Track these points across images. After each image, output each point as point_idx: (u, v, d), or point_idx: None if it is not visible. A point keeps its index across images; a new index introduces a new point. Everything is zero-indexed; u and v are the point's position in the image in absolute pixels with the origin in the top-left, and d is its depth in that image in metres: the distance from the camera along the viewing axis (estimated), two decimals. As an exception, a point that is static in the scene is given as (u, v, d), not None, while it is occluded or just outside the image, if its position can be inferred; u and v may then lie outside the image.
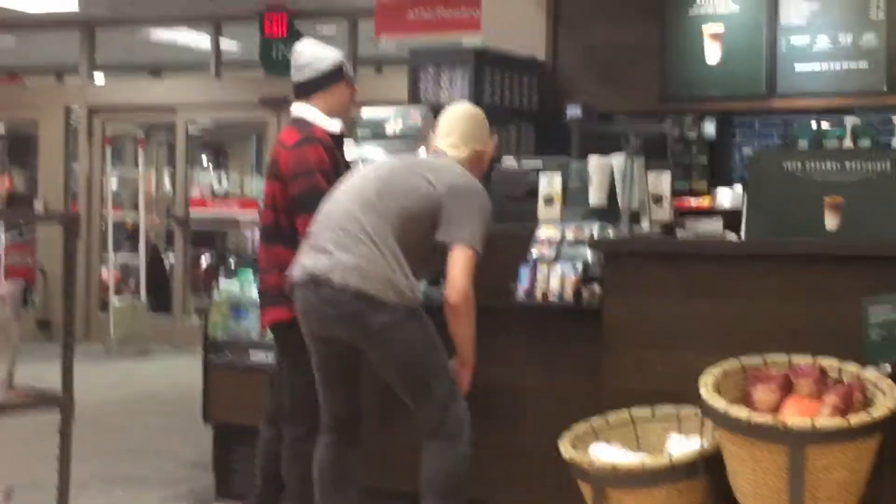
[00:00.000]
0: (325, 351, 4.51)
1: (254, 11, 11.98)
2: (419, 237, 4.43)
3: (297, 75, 5.16)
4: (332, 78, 5.13)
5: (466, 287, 4.37)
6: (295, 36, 11.77)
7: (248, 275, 6.51)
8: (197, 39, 13.33)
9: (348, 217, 4.41)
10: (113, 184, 12.69)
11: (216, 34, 12.76)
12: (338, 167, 5.05)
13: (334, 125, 5.12)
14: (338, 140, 5.15)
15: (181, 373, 10.40)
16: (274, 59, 12.11)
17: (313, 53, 5.18)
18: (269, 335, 5.42)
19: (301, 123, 5.09)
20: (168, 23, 13.01)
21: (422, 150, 4.96)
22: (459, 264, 4.39)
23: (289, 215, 4.99)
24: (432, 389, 4.35)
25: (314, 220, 4.60)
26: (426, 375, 4.36)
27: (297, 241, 4.89)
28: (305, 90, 5.15)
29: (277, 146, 5.12)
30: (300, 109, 5.14)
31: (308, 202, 4.88)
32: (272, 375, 5.32)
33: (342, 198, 4.52)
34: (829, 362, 4.02)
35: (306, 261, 4.45)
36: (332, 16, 12.11)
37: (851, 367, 3.98)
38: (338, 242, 4.37)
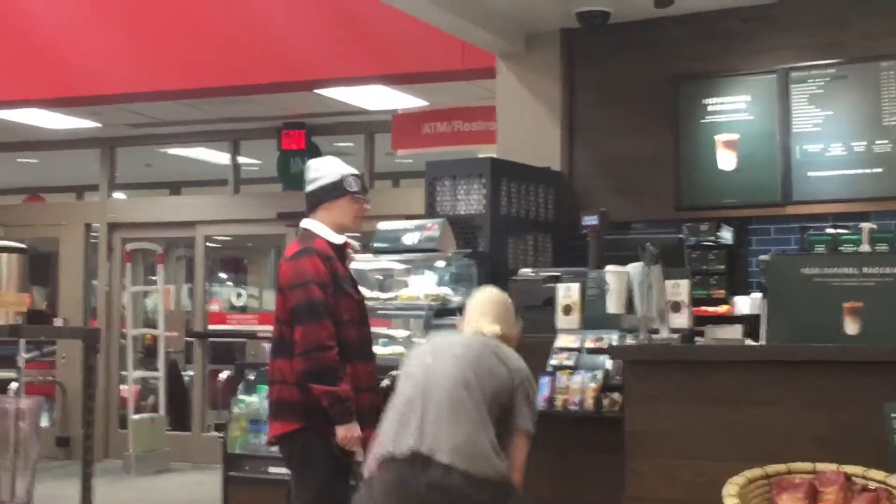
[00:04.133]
0: None
1: (272, 128, 12.13)
2: (496, 417, 4.48)
3: (306, 188, 5.27)
4: (333, 192, 5.19)
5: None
6: (312, 151, 11.90)
7: (267, 389, 6.52)
8: (216, 156, 13.49)
9: (449, 394, 4.41)
10: (132, 299, 12.72)
11: (234, 151, 12.91)
12: (337, 278, 5.08)
13: (337, 237, 5.17)
14: (340, 251, 5.19)
15: (201, 488, 10.33)
16: (291, 174, 12.21)
17: (320, 168, 5.27)
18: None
19: (305, 234, 5.19)
20: (187, 140, 13.18)
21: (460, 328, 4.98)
22: (524, 451, 4.53)
23: (289, 326, 5.02)
24: None
25: (396, 396, 4.56)
26: None
27: (294, 352, 4.93)
28: (310, 203, 5.25)
29: (282, 259, 5.21)
30: (306, 222, 5.23)
31: (303, 313, 4.93)
32: (287, 489, 5.30)
33: (438, 373, 4.49)
34: (854, 469, 3.98)
35: (406, 438, 4.38)
36: (350, 131, 12.24)
37: (877, 474, 3.94)
38: (440, 420, 4.36)
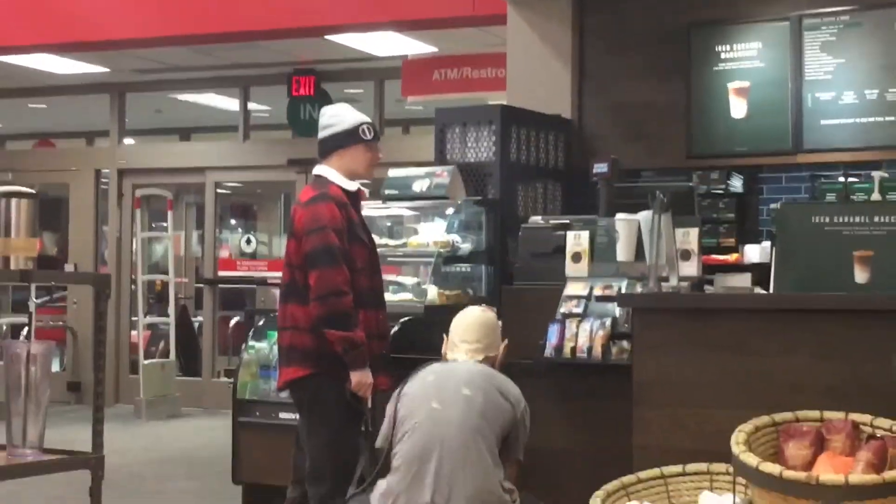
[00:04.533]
0: None
1: (282, 74, 12.10)
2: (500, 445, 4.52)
3: (319, 134, 5.27)
4: (348, 139, 5.20)
5: None
6: (322, 97, 11.87)
7: (277, 335, 6.53)
8: (226, 102, 13.46)
9: (463, 445, 4.39)
10: (142, 246, 12.75)
11: (245, 97, 12.88)
12: (352, 225, 5.10)
13: (350, 183, 5.17)
14: (353, 198, 5.19)
15: (211, 433, 10.41)
16: (301, 121, 12.20)
17: (335, 115, 5.28)
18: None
19: (318, 181, 5.18)
20: (197, 86, 13.14)
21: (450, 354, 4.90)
22: (513, 478, 4.56)
23: (303, 272, 5.02)
24: None
25: (399, 425, 4.54)
26: None
27: (308, 297, 4.93)
28: (323, 149, 5.26)
29: (295, 204, 5.22)
30: (319, 168, 5.23)
31: (320, 258, 4.94)
32: (296, 434, 5.32)
33: (449, 421, 4.44)
34: (861, 418, 3.98)
35: (423, 492, 4.36)
36: (360, 78, 12.21)
37: (885, 423, 3.94)
38: (454, 472, 4.35)
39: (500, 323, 4.92)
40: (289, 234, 5.17)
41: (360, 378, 4.97)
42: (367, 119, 5.31)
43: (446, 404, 4.46)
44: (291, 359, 5.08)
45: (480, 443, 4.38)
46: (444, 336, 4.84)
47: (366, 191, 5.35)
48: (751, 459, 3.79)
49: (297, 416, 5.27)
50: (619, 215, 5.46)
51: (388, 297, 5.81)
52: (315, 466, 5.02)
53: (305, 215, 5.05)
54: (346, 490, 4.87)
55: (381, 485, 4.48)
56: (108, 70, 11.98)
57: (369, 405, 5.09)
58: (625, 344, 5.16)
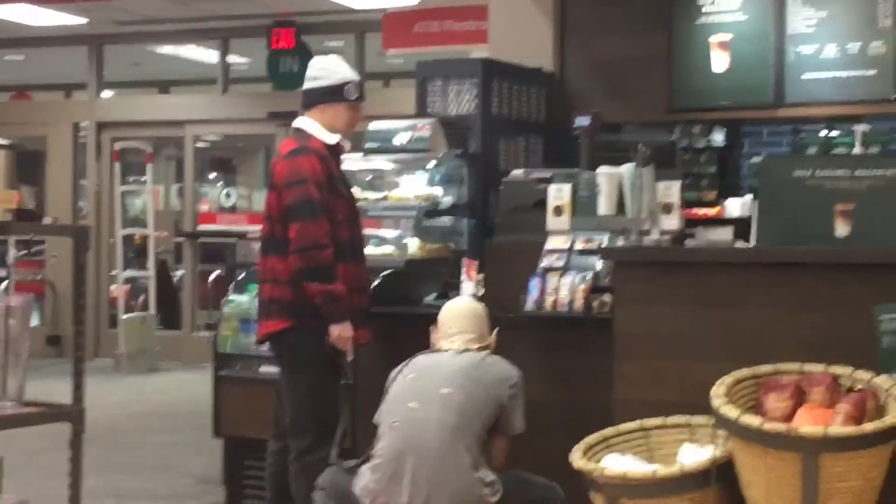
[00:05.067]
0: None
1: (262, 26, 12.01)
2: (490, 427, 4.49)
3: (304, 85, 5.23)
4: (332, 95, 5.16)
5: None
6: (302, 50, 11.80)
7: (257, 288, 6.51)
8: (205, 55, 13.36)
9: (439, 444, 4.35)
10: (121, 199, 12.69)
11: (224, 49, 12.79)
12: (332, 178, 5.08)
13: (331, 137, 5.15)
14: (334, 151, 5.17)
15: (191, 387, 10.41)
16: (281, 74, 12.12)
17: (323, 67, 5.24)
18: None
19: (299, 134, 5.15)
20: (176, 39, 13.04)
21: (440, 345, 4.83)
22: (507, 450, 4.55)
23: (283, 225, 5.00)
24: None
25: (384, 434, 4.49)
26: None
27: (288, 250, 4.92)
28: (306, 101, 5.22)
29: (275, 157, 5.18)
30: (300, 121, 5.21)
31: (300, 211, 4.92)
32: (277, 388, 5.32)
33: (425, 420, 4.40)
34: (841, 370, 4.00)
35: (400, 495, 4.34)
36: (340, 30, 12.13)
37: (864, 375, 3.96)
38: (432, 473, 4.32)
39: (488, 312, 4.89)
40: (269, 187, 5.14)
41: (340, 331, 4.97)
42: (355, 77, 5.26)
43: (424, 404, 4.44)
44: (271, 312, 5.08)
45: (459, 442, 4.35)
46: (432, 327, 4.80)
47: (347, 144, 5.30)
48: (731, 412, 3.81)
49: (278, 370, 5.27)
50: (601, 168, 5.44)
51: (369, 250, 5.79)
52: (296, 419, 5.03)
53: (286, 168, 5.01)
54: (328, 443, 4.88)
55: (365, 474, 4.45)
56: (86, 21, 11.86)
57: (349, 358, 5.08)
58: (606, 297, 5.15)
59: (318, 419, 4.97)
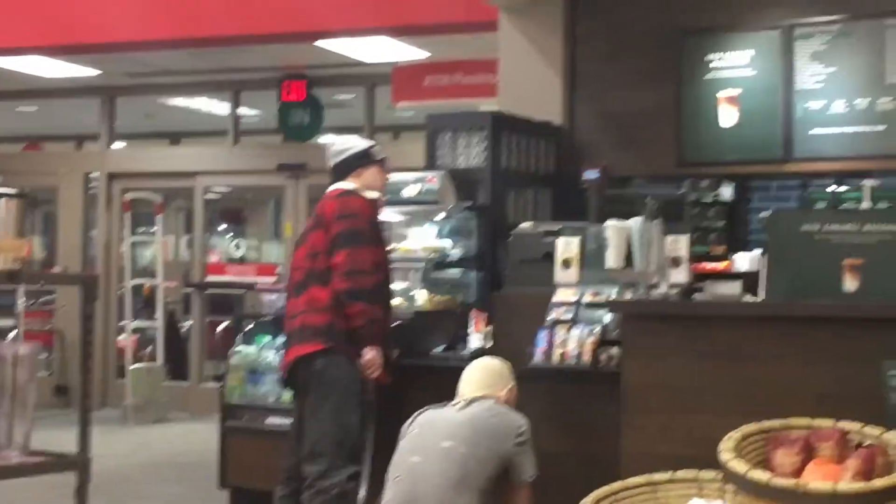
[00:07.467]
0: None
1: (273, 79, 12.08)
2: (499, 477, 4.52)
3: (334, 159, 5.52)
4: (363, 159, 5.53)
5: None
6: (313, 103, 11.87)
7: (265, 340, 6.52)
8: (216, 106, 13.44)
9: (439, 500, 4.38)
10: (131, 250, 12.71)
11: (235, 101, 12.86)
12: (376, 226, 5.41)
13: (372, 193, 5.47)
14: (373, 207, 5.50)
15: (198, 438, 10.36)
16: (292, 126, 12.18)
17: (345, 141, 5.63)
18: (285, 399, 5.43)
19: (341, 192, 5.44)
20: (187, 91, 13.12)
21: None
22: (529, 498, 4.61)
23: (327, 256, 5.21)
24: None
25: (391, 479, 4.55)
26: None
27: (330, 279, 5.15)
28: (341, 172, 5.50)
29: (322, 201, 5.46)
30: (342, 184, 5.47)
31: (349, 239, 5.19)
32: (291, 426, 5.36)
33: (426, 474, 4.43)
34: (850, 426, 3.98)
35: None
36: (350, 83, 12.19)
37: (873, 431, 3.94)
38: None
39: (507, 367, 4.90)
40: (313, 227, 5.37)
41: (373, 354, 5.10)
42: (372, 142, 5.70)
43: (426, 458, 4.47)
44: (304, 336, 5.24)
45: (460, 497, 4.37)
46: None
47: (384, 199, 5.66)
48: (740, 466, 3.78)
49: (288, 421, 5.30)
50: (610, 222, 5.45)
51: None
52: (314, 444, 5.14)
53: (337, 203, 5.31)
54: (340, 471, 5.00)
55: None
56: (98, 73, 11.94)
57: (371, 395, 5.20)
58: (614, 351, 5.15)
59: (335, 443, 5.09)
